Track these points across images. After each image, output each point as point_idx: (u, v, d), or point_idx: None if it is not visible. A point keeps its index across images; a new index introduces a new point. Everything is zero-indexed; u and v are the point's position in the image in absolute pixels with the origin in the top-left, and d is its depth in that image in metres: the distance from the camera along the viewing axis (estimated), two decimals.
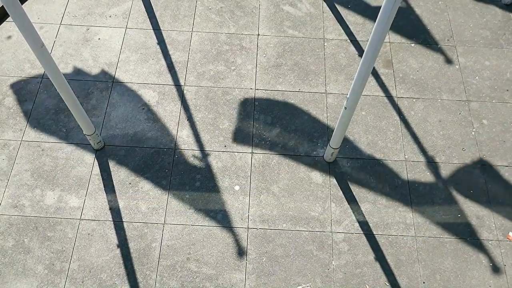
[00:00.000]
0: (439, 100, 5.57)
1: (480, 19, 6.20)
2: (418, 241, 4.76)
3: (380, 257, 4.68)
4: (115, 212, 4.81)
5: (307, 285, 4.25)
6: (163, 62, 5.72)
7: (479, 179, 5.10)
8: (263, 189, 4.98)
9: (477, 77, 5.74)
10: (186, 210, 4.84)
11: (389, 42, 5.98)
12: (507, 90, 5.66)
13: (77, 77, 5.58)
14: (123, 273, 4.53)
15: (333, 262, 4.63)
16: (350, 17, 6.17)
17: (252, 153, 5.18)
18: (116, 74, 5.61)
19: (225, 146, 5.21)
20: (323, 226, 4.80)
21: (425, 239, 4.77)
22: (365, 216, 4.87)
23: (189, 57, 5.77)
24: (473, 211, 4.93)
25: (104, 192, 4.91)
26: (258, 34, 5.98)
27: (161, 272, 4.54)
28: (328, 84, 5.63)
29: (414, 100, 5.57)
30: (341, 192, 4.98)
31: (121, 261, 4.58)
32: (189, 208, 4.85)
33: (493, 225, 4.86)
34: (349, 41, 5.96)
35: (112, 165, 5.06)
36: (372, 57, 3.46)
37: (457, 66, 5.82)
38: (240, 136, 5.27)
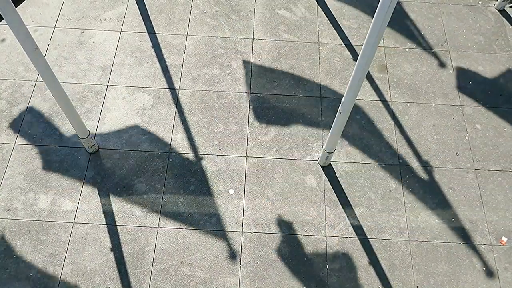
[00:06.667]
0: (433, 104, 5.60)
1: (473, 25, 6.25)
2: (412, 245, 4.77)
3: (374, 261, 4.68)
4: (109, 216, 4.79)
5: None
6: (158, 65, 5.71)
7: (472, 183, 5.12)
8: (257, 193, 4.98)
9: (470, 82, 5.78)
10: (180, 214, 4.83)
11: (384, 46, 6.01)
12: (500, 95, 5.70)
13: (72, 80, 5.57)
14: (116, 277, 4.51)
15: (327, 266, 4.63)
16: (345, 22, 6.19)
17: (246, 156, 5.17)
18: (111, 77, 5.60)
19: (220, 149, 5.20)
20: (318, 230, 4.80)
21: (419, 243, 4.79)
22: (359, 220, 4.87)
23: (184, 60, 5.77)
24: (466, 215, 4.95)
25: (97, 195, 4.89)
26: (253, 38, 5.99)
27: (155, 276, 4.52)
28: (323, 88, 5.65)
29: (408, 104, 5.60)
30: (336, 196, 4.99)
31: (115, 265, 4.56)
32: (183, 212, 4.84)
33: (486, 230, 4.88)
34: (344, 45, 5.99)
35: (106, 168, 5.04)
36: (366, 62, 3.48)
37: (451, 71, 5.86)
38: (235, 140, 5.27)
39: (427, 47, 6.03)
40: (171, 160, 5.11)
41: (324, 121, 5.43)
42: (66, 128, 5.26)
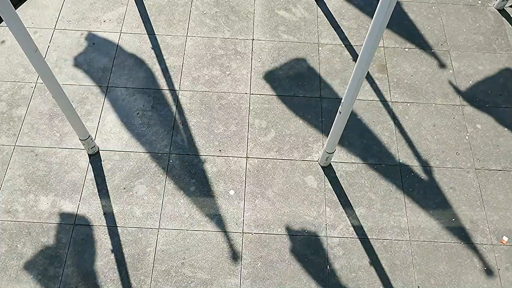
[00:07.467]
0: (433, 104, 5.60)
1: (473, 24, 6.25)
2: (412, 245, 4.77)
3: (375, 261, 4.68)
4: (109, 217, 4.79)
5: None
6: (157, 67, 5.71)
7: (473, 183, 5.12)
8: (258, 193, 4.97)
9: (470, 82, 5.78)
10: (180, 215, 4.83)
11: (383, 46, 6.01)
12: (500, 95, 5.70)
13: (72, 82, 5.57)
14: (117, 278, 4.51)
15: (328, 266, 4.63)
16: (344, 22, 6.19)
17: (247, 157, 5.17)
18: (111, 79, 5.60)
19: (220, 150, 5.20)
20: (318, 231, 4.80)
21: (420, 243, 4.78)
22: (360, 220, 4.87)
23: (184, 61, 5.77)
24: (467, 215, 4.94)
25: (98, 197, 4.89)
26: (253, 39, 5.99)
27: (156, 277, 4.52)
28: (323, 88, 5.65)
29: (408, 104, 5.60)
30: (336, 197, 4.99)
31: (115, 267, 4.56)
32: (184, 213, 4.84)
33: (487, 229, 4.88)
34: (344, 46, 5.99)
35: (106, 170, 5.04)
36: (366, 62, 3.48)
37: (450, 71, 5.86)
38: (235, 141, 5.27)
39: (426, 47, 6.03)
40: (171, 161, 5.11)
41: (324, 121, 5.43)
42: (67, 129, 5.26)
